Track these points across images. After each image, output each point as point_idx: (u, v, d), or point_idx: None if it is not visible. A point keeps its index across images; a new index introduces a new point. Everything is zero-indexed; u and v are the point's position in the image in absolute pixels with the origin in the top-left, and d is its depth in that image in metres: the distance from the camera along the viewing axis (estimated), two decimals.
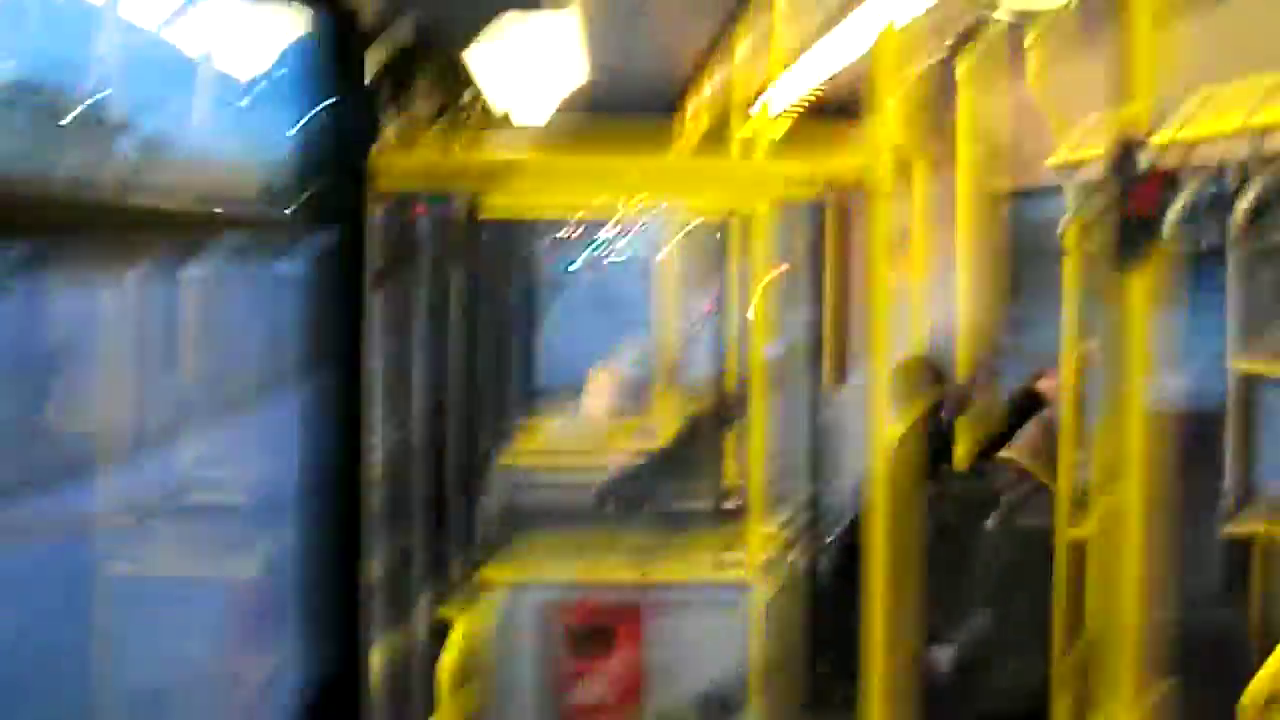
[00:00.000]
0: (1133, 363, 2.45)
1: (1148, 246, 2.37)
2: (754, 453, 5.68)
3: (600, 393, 9.68)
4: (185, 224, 2.28)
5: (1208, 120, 4.77)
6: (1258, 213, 4.51)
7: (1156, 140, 2.44)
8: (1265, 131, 4.62)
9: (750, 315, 5.74)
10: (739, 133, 5.96)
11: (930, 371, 7.31)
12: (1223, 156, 4.87)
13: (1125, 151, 2.34)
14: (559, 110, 6.16)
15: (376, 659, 3.41)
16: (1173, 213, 4.44)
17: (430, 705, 4.03)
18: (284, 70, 2.97)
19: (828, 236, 8.97)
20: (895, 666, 4.54)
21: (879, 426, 3.39)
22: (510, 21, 3.46)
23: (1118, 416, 2.52)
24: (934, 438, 7.10)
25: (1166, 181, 3.01)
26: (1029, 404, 5.89)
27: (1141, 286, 2.43)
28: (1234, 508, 5.80)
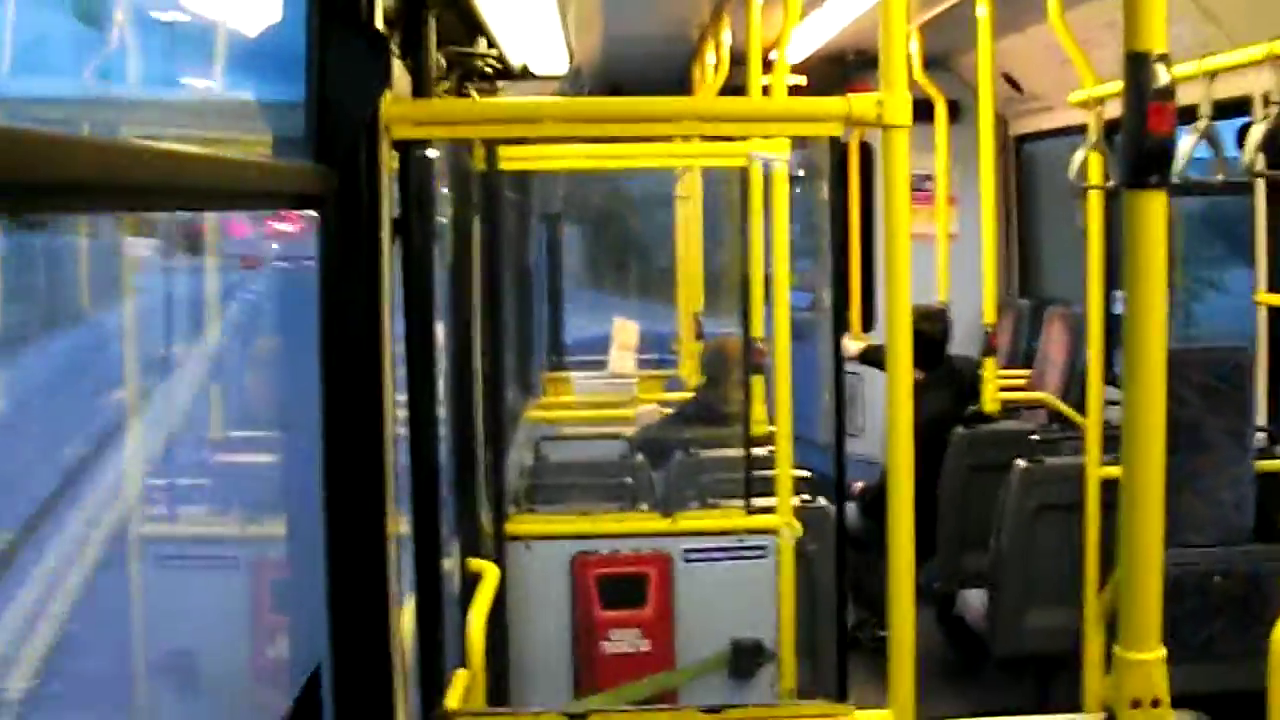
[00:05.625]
0: (1150, 291, 2.42)
1: (1164, 166, 2.33)
2: (781, 401, 5.66)
3: (626, 344, 9.66)
4: (196, 172, 2.25)
5: (1230, 51, 4.72)
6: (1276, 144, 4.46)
7: (1177, 70, 2.39)
8: None
9: (773, 262, 5.70)
10: (756, 82, 5.93)
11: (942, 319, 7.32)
12: (1246, 88, 4.82)
13: (1142, 67, 2.29)
14: (572, 73, 6.13)
15: (405, 613, 3.42)
16: (1191, 142, 4.39)
17: (460, 659, 4.03)
18: (292, 18, 2.94)
19: (850, 183, 8.92)
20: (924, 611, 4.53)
21: (901, 371, 3.35)
22: None
23: (1140, 351, 2.49)
24: (961, 380, 7.09)
25: (1184, 109, 2.96)
26: None
27: (1157, 211, 2.39)
28: (1266, 443, 5.77)
